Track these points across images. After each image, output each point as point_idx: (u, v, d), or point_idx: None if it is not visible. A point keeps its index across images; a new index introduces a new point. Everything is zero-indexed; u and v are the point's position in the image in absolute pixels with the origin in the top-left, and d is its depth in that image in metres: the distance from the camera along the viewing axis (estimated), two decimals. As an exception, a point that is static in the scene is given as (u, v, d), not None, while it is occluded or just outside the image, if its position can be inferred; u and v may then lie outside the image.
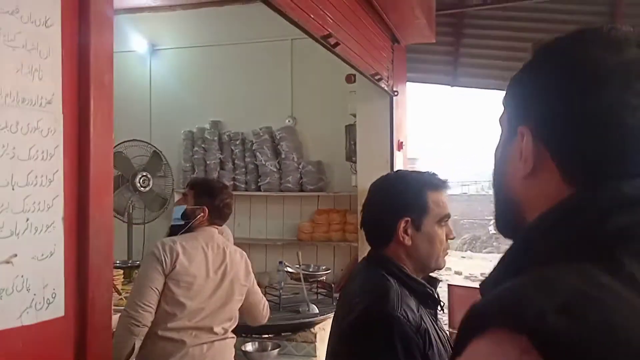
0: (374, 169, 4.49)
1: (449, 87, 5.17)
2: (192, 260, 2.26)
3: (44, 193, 1.22)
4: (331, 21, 3.02)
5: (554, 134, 0.61)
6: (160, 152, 5.03)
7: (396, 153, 4.65)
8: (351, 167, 4.83)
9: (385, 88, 4.26)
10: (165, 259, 2.20)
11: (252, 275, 2.52)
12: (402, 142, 4.83)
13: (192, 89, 5.42)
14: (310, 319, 3.14)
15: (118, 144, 4.72)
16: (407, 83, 5.20)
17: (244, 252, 2.54)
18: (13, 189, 1.15)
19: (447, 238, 1.48)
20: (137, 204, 4.90)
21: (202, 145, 5.16)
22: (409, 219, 1.43)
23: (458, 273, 12.66)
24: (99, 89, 1.35)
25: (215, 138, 5.15)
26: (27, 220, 1.18)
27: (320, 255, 5.04)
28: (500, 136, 0.72)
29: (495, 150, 0.72)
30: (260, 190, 5.04)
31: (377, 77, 3.93)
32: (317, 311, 3.23)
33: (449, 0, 4.86)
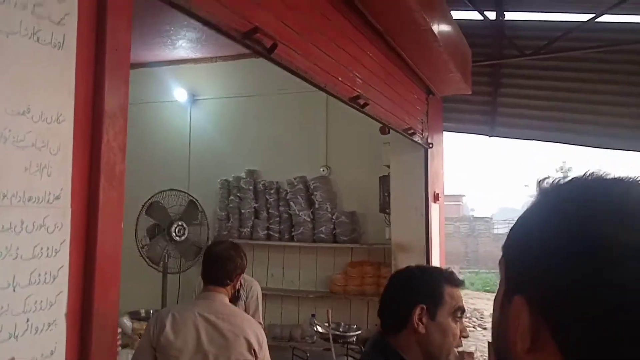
0: (408, 222, 4.42)
1: (487, 137, 5.05)
2: (179, 333, 2.14)
3: (46, 291, 1.22)
4: (360, 82, 3.02)
5: (558, 313, 0.54)
6: (197, 200, 5.10)
7: (432, 205, 4.54)
8: (385, 219, 4.75)
9: (419, 141, 4.19)
10: (153, 331, 2.14)
11: (264, 349, 2.26)
12: (438, 194, 4.73)
13: (230, 138, 5.52)
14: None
15: (155, 194, 4.82)
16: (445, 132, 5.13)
17: (258, 323, 2.36)
18: (14, 290, 1.15)
19: (461, 334, 1.44)
20: (173, 253, 4.95)
21: (238, 194, 5.20)
22: (425, 306, 1.42)
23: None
24: (109, 180, 1.35)
25: (251, 187, 5.19)
26: (28, 320, 1.18)
27: (353, 310, 4.93)
28: (499, 285, 0.65)
29: (495, 300, 0.65)
30: (293, 240, 5.01)
31: (410, 132, 3.88)
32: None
33: (486, 51, 4.80)
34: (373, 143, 4.81)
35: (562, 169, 32.89)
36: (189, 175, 5.55)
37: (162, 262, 4.90)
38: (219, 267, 2.30)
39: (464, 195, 35.09)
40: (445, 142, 5.11)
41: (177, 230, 4.81)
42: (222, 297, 2.29)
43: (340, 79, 2.78)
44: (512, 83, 4.85)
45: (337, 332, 3.53)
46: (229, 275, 2.30)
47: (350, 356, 3.45)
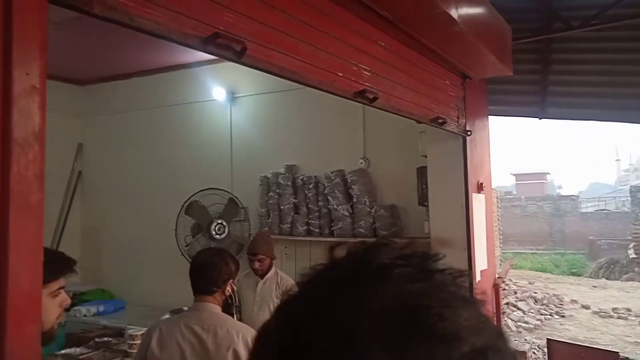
0: (447, 215, 4.17)
1: (537, 119, 4.63)
2: (164, 348, 2.12)
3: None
4: (368, 74, 2.83)
5: None
6: (237, 198, 5.12)
7: (474, 196, 4.25)
8: (425, 212, 4.51)
9: (454, 129, 3.92)
10: (141, 346, 2.15)
11: None
12: (482, 184, 4.42)
13: (269, 134, 5.49)
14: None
15: (194, 194, 4.89)
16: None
17: (251, 330, 2.24)
18: None
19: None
20: (215, 250, 5.01)
21: (277, 190, 5.17)
22: None
23: (585, 307, 11.30)
24: (22, 211, 1.30)
25: (289, 183, 5.13)
26: None
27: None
28: None
29: None
30: (333, 235, 4.90)
31: (439, 121, 3.62)
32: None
33: (532, 26, 4.38)
34: (410, 132, 4.57)
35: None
36: (232, 173, 5.59)
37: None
38: (203, 275, 2.26)
39: (549, 173, 33.22)
40: (495, 126, 4.77)
41: (217, 228, 4.86)
42: (212, 307, 2.23)
43: (340, 74, 2.61)
44: (563, 59, 4.39)
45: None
46: (215, 282, 2.25)
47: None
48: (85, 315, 5.44)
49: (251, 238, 5.05)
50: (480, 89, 4.47)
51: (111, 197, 6.41)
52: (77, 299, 5.82)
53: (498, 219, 14.38)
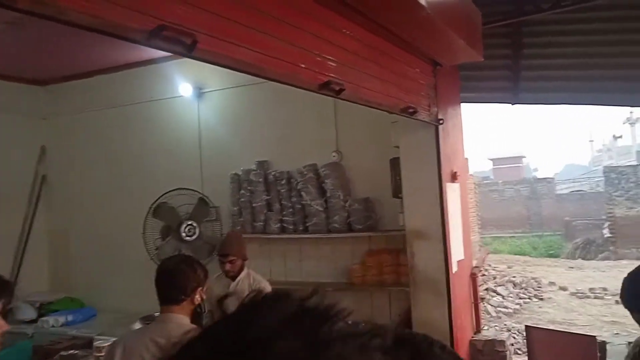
0: (421, 206, 4.09)
1: (510, 105, 4.56)
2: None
3: None
4: (334, 65, 2.70)
5: None
6: (207, 197, 4.97)
7: (448, 186, 4.17)
8: (401, 204, 4.42)
9: (425, 119, 3.82)
10: None
11: None
12: (456, 172, 4.35)
13: (239, 129, 5.34)
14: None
15: (162, 195, 4.72)
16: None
17: None
18: None
19: None
20: (186, 252, 4.85)
21: (249, 188, 5.02)
22: None
23: (563, 289, 11.42)
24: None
25: (261, 179, 4.99)
26: None
27: (375, 302, 4.68)
28: None
29: None
30: (307, 232, 4.79)
31: (410, 111, 3.52)
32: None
33: (504, 9, 4.29)
34: (383, 123, 4.45)
35: (629, 120, 30.65)
36: (202, 172, 5.42)
37: (176, 263, 4.82)
38: (170, 283, 2.12)
39: (524, 157, 33.60)
40: (470, 112, 4.69)
41: (187, 230, 4.70)
42: (179, 318, 2.09)
43: (302, 65, 2.48)
44: (535, 42, 4.32)
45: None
46: (183, 290, 2.11)
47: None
48: (53, 326, 5.23)
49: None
50: (452, 76, 4.38)
51: (78, 200, 6.18)
52: (45, 308, 5.61)
53: (476, 205, 14.46)
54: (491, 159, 31.92)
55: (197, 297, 2.19)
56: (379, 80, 3.15)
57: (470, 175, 16.98)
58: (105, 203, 5.95)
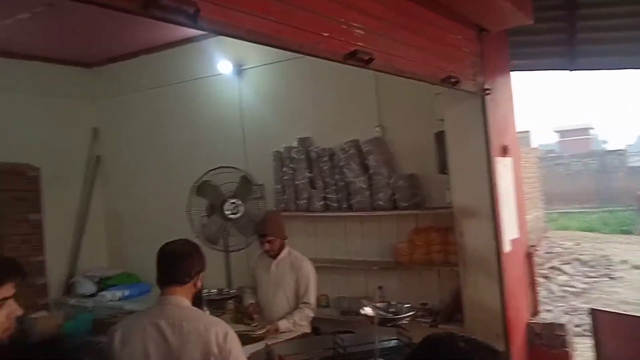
0: (469, 182, 3.87)
1: (567, 71, 4.18)
2: (126, 346, 1.98)
3: None
4: (361, 33, 2.53)
5: None
6: (249, 175, 4.93)
7: (498, 160, 3.91)
8: (447, 180, 4.20)
9: (470, 89, 3.57)
10: (106, 346, 2.03)
11: (232, 352, 1.97)
12: (507, 146, 4.06)
13: (280, 106, 5.25)
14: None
15: (205, 174, 4.73)
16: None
17: (223, 324, 2.06)
18: None
19: None
20: (232, 230, 4.86)
21: (291, 165, 4.93)
22: None
23: (636, 267, 10.65)
24: None
25: (303, 156, 4.88)
26: None
27: (424, 281, 4.51)
28: None
29: None
30: (352, 209, 4.66)
31: (452, 80, 3.28)
32: (382, 369, 2.76)
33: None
34: (427, 95, 4.21)
35: None
36: (245, 150, 5.39)
37: (222, 241, 4.84)
38: (176, 264, 2.10)
39: (592, 128, 31.63)
40: (530, 83, 4.36)
41: (231, 207, 4.70)
42: (179, 299, 2.06)
43: (325, 34, 2.33)
44: (591, 2, 3.90)
45: (384, 316, 3.14)
46: (188, 272, 2.09)
47: (400, 340, 3.06)
48: (110, 300, 5.45)
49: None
50: (500, 42, 4.07)
51: (130, 179, 6.36)
52: (104, 283, 5.84)
53: (540, 179, 13.77)
54: (557, 131, 30.32)
55: (199, 283, 2.16)
56: (414, 49, 2.94)
57: (534, 148, 16.14)
58: (154, 182, 6.08)
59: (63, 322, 4.84)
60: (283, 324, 3.36)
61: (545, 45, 4.20)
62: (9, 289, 1.52)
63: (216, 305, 4.32)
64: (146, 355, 1.96)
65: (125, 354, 1.98)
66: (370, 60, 2.53)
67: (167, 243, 2.20)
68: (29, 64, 5.89)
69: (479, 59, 3.69)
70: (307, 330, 3.61)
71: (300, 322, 3.40)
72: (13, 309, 1.55)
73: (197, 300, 2.15)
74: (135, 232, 6.30)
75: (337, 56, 2.41)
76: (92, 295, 5.71)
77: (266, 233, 3.58)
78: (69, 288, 6.04)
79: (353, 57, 2.45)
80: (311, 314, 3.50)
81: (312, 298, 3.53)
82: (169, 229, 5.70)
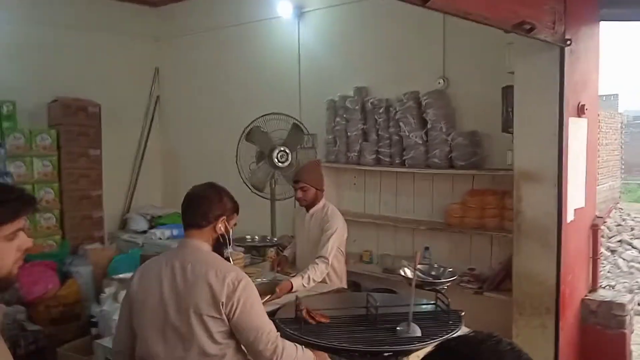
0: (536, 143, 3.52)
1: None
2: (143, 284, 1.96)
3: None
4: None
5: None
6: (301, 124, 4.76)
7: (572, 121, 3.51)
8: (512, 140, 3.84)
9: (548, 39, 3.16)
10: (129, 285, 2.03)
11: (242, 300, 1.87)
12: (584, 106, 3.63)
13: (339, 52, 5.00)
14: (400, 347, 2.52)
15: (256, 119, 4.60)
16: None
17: (238, 271, 1.96)
18: None
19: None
20: (279, 179, 4.76)
21: (344, 115, 4.71)
22: None
23: None
24: None
25: (358, 107, 4.64)
26: None
27: (474, 246, 4.26)
28: None
29: None
30: (404, 165, 4.41)
31: (526, 27, 2.90)
32: (418, 334, 2.60)
33: None
34: (498, 45, 3.81)
35: None
36: (300, 97, 5.21)
37: (269, 189, 4.76)
38: (194, 207, 2.04)
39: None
40: (610, 36, 3.87)
41: (279, 155, 4.57)
42: (197, 243, 2.00)
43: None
44: None
45: (424, 279, 2.95)
46: (205, 216, 2.01)
47: (438, 305, 2.87)
48: (160, 238, 5.55)
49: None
50: (589, -15, 3.58)
51: (187, 121, 6.38)
52: (155, 221, 5.97)
53: (621, 146, 12.75)
54: (648, 96, 27.92)
55: (220, 226, 2.05)
56: (483, -14, 2.59)
57: (619, 113, 14.93)
58: (210, 124, 6.06)
59: (114, 255, 4.99)
60: (296, 282, 3.08)
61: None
62: (21, 222, 1.47)
63: (258, 252, 4.28)
64: (160, 293, 1.93)
65: (141, 292, 1.97)
66: (429, -4, 2.23)
67: (193, 186, 2.11)
68: (97, 1, 5.93)
69: (562, 4, 3.25)
70: (343, 285, 3.49)
71: (315, 278, 3.16)
72: (24, 240, 1.50)
73: (219, 246, 2.06)
74: (189, 174, 6.35)
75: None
76: (144, 232, 5.86)
77: (299, 179, 3.44)
78: (123, 223, 6.24)
79: (408, -9, 2.17)
80: (326, 270, 3.26)
81: (329, 253, 3.28)
82: (223, 171, 5.69)
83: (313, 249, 3.34)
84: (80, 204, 5.59)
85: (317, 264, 3.19)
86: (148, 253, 5.08)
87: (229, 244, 2.08)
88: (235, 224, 2.17)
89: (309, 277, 3.11)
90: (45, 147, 5.37)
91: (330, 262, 3.25)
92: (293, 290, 2.99)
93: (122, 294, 3.74)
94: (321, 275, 3.23)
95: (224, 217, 2.05)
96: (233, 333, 1.89)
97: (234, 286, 1.86)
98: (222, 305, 1.84)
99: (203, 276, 1.88)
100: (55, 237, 5.41)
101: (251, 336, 1.87)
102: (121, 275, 3.91)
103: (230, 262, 2.14)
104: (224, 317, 1.86)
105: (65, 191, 5.49)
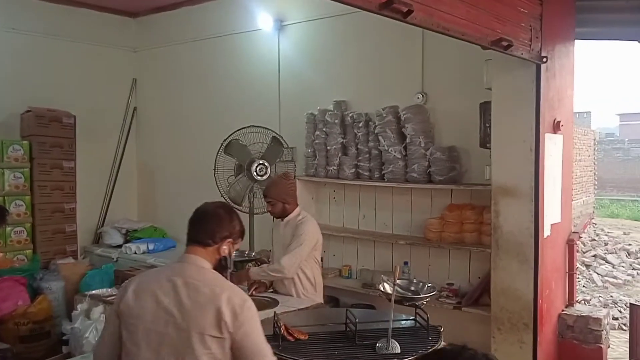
0: (513, 158, 3.55)
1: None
2: (139, 298, 1.85)
3: None
4: (399, -20, 2.23)
5: None
6: (281, 137, 4.73)
7: (548, 137, 3.56)
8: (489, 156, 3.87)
9: (524, 55, 3.21)
10: (118, 297, 1.93)
11: (245, 320, 1.82)
12: (559, 122, 3.69)
13: (320, 66, 5.01)
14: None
15: (234, 132, 4.56)
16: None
17: (239, 291, 1.90)
18: None
19: None
20: (258, 193, 4.70)
21: (324, 129, 4.70)
22: None
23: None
24: None
25: (337, 120, 4.64)
26: None
27: (453, 261, 4.26)
28: None
29: None
30: (383, 180, 4.41)
31: (504, 44, 2.94)
32: (397, 350, 2.57)
33: None
34: (477, 61, 3.85)
35: None
36: (280, 110, 5.19)
37: (247, 203, 4.70)
38: (203, 223, 1.97)
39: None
40: (585, 55, 3.93)
41: (258, 169, 4.52)
42: (199, 260, 1.92)
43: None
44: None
45: (402, 295, 2.93)
46: (211, 235, 1.94)
47: (417, 321, 2.85)
48: (135, 253, 5.45)
49: (296, 179, 4.69)
50: (565, 4, 3.65)
51: (163, 133, 6.30)
52: (131, 235, 5.85)
53: (594, 163, 13.03)
54: (619, 114, 28.77)
55: (225, 248, 1.99)
56: (462, 4, 2.62)
57: (592, 130, 15.27)
58: (187, 137, 5.99)
59: (87, 271, 4.87)
60: (254, 271, 3.48)
61: (616, 12, 3.74)
62: None
63: (236, 267, 4.22)
64: (158, 310, 1.84)
65: (137, 307, 1.87)
66: (409, 12, 2.25)
67: (204, 203, 2.06)
68: (75, 11, 5.85)
69: (538, 22, 3.31)
70: (319, 295, 3.56)
71: (270, 273, 3.42)
72: None
73: (220, 268, 1.99)
74: (166, 187, 6.27)
75: (371, 5, 2.13)
76: (119, 246, 5.73)
77: (266, 194, 3.61)
78: (98, 237, 6.10)
79: (388, 8, 2.17)
80: (282, 272, 3.39)
81: (287, 259, 3.37)
82: (199, 185, 5.66)
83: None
84: (52, 217, 5.45)
85: (278, 262, 3.41)
86: (122, 268, 4.98)
87: (230, 267, 2.02)
88: (237, 249, 2.14)
89: (265, 270, 3.44)
90: (17, 159, 5.24)
91: (293, 264, 3.38)
92: (252, 279, 3.43)
93: (95, 310, 3.68)
94: (276, 272, 3.40)
95: (231, 240, 1.99)
96: (232, 352, 1.83)
97: (239, 308, 1.80)
98: (224, 324, 1.78)
99: (208, 295, 1.81)
100: (26, 251, 5.26)
101: (250, 354, 1.82)
102: (94, 292, 3.81)
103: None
104: (227, 336, 1.79)
105: (37, 204, 5.35)
